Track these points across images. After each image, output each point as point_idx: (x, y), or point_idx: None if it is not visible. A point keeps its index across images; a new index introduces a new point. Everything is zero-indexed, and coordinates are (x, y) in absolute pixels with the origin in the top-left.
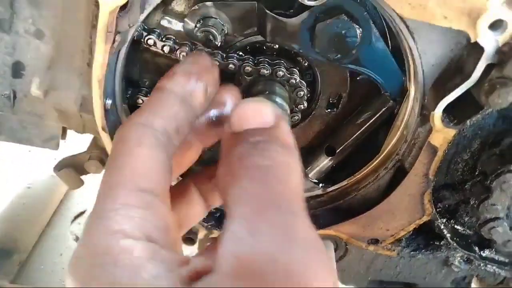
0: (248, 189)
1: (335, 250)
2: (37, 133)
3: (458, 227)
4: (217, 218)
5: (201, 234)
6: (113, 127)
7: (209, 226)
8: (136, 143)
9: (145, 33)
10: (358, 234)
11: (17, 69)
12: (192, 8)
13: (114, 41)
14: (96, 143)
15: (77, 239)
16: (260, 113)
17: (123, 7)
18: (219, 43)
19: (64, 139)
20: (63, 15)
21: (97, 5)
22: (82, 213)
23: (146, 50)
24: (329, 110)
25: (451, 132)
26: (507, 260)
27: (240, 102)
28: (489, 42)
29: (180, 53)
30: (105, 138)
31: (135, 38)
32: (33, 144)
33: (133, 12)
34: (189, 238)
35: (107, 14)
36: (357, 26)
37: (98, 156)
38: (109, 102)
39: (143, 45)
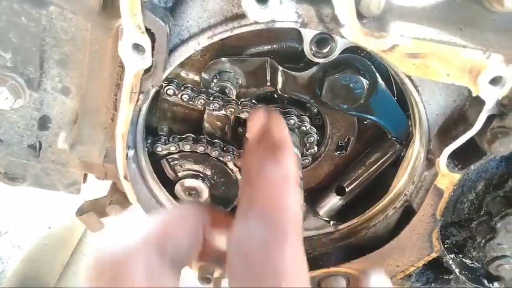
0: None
1: (347, 285)
2: (60, 179)
3: (467, 261)
4: None
5: (217, 273)
6: (134, 174)
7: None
8: None
9: (164, 84)
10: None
11: (44, 123)
12: (208, 63)
13: (138, 100)
14: (116, 188)
15: None
16: None
17: (147, 70)
18: (234, 96)
19: (84, 182)
20: (89, 74)
21: (121, 66)
22: None
23: (164, 100)
24: (338, 152)
25: (456, 176)
26: None
27: None
28: (490, 96)
29: (198, 102)
30: (126, 185)
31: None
32: (56, 189)
33: (157, 74)
34: (205, 278)
35: (132, 77)
36: (363, 79)
37: (118, 200)
38: (131, 152)
39: (161, 96)
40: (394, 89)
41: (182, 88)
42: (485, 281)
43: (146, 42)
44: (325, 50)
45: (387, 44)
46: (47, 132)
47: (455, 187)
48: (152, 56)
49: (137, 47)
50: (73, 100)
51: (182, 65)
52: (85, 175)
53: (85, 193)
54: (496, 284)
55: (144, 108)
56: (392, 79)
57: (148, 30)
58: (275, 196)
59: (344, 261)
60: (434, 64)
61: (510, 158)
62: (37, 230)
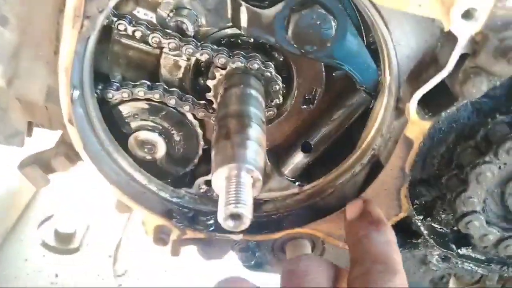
0: None
1: (312, 249)
2: (1, 129)
3: (435, 225)
4: (190, 218)
5: (174, 235)
6: (81, 120)
7: (182, 227)
8: None
9: (115, 19)
10: (335, 232)
11: None
12: None
13: (82, 26)
14: (64, 139)
15: (44, 244)
16: None
17: None
18: (192, 33)
19: (30, 136)
20: (29, 1)
21: None
22: (49, 217)
23: (116, 42)
24: (304, 106)
25: (426, 125)
26: (483, 258)
27: None
28: (462, 31)
29: (152, 39)
30: (72, 131)
31: (105, 24)
32: None
33: None
34: (160, 239)
35: None
36: (332, 18)
37: (65, 152)
38: (76, 93)
39: (113, 37)
40: (364, 39)
41: (134, 24)
42: (454, 246)
43: None
44: None
45: None
46: None
47: (425, 138)
48: None
49: None
50: (13, 32)
51: (136, 2)
52: (30, 127)
53: None
54: (464, 250)
55: (92, 42)
56: (361, 27)
57: None
58: (383, 251)
59: (309, 222)
60: None
61: (480, 108)
62: None
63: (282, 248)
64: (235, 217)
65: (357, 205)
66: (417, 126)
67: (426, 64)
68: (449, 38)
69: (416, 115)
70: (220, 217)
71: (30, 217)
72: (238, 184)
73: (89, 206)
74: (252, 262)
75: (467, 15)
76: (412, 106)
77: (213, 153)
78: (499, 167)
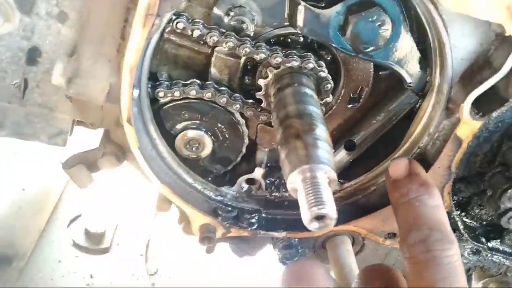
0: None
1: (352, 245)
2: (44, 128)
3: (466, 220)
4: (234, 217)
5: (219, 233)
6: (136, 120)
7: (227, 225)
8: None
9: (174, 17)
10: (377, 228)
11: (33, 56)
12: None
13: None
14: (109, 138)
15: (75, 244)
16: None
17: None
18: (252, 33)
19: (70, 134)
20: None
21: None
22: (78, 216)
23: (166, 40)
24: (350, 105)
25: (477, 125)
26: (511, 251)
27: None
28: None
29: (210, 38)
30: (129, 131)
31: None
32: (38, 140)
33: None
34: (206, 237)
35: None
36: (390, 19)
37: (114, 152)
38: (136, 92)
39: (164, 35)
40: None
41: (192, 23)
42: (484, 240)
43: None
44: None
45: None
46: (35, 68)
47: (474, 137)
48: None
49: None
50: (71, 28)
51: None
52: (72, 125)
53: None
54: (493, 243)
55: (153, 41)
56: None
57: None
58: (437, 217)
59: (351, 219)
60: None
61: None
62: (10, 192)
63: (322, 244)
64: (320, 218)
65: (403, 164)
66: (469, 126)
67: (479, 66)
68: (505, 42)
69: (469, 115)
70: (305, 220)
71: (58, 218)
72: (317, 185)
73: (115, 205)
74: (295, 259)
75: None
76: (466, 106)
77: (283, 154)
78: None
